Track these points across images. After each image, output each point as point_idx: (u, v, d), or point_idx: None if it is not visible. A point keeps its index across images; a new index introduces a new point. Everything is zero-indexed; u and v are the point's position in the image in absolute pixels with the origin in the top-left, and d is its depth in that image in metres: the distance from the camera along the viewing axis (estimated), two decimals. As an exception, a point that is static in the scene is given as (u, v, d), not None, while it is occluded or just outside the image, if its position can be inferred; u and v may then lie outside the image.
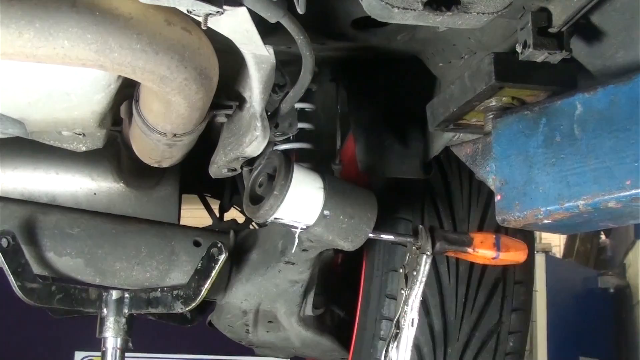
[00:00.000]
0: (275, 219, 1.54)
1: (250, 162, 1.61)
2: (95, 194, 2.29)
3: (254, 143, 1.46)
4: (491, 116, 1.49)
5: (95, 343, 1.86)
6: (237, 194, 2.61)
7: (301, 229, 1.62)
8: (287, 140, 1.74)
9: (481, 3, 1.14)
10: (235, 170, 1.62)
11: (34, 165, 2.27)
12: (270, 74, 1.38)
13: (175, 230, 1.91)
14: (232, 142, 1.53)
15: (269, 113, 1.48)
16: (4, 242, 1.67)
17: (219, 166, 1.60)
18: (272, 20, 1.20)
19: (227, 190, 2.66)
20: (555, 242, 8.60)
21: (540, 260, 5.69)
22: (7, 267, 1.68)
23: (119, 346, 1.85)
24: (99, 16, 1.13)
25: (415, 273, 1.61)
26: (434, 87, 1.86)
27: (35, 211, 1.80)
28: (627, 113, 1.27)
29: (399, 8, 1.12)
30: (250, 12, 1.18)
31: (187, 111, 1.37)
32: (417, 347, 2.02)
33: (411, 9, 1.12)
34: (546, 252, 6.52)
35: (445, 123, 1.58)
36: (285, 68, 1.50)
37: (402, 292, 1.61)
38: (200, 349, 5.15)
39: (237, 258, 1.85)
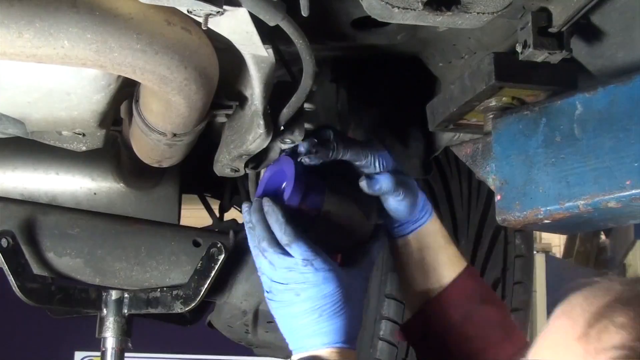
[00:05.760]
0: None
1: (254, 163, 1.61)
2: (95, 194, 2.29)
3: (258, 140, 1.46)
4: (491, 116, 1.49)
5: (95, 343, 1.86)
6: (238, 194, 2.61)
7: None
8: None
9: (481, 3, 1.14)
10: (238, 170, 1.61)
11: (34, 166, 2.27)
12: (270, 73, 1.38)
13: (175, 231, 1.91)
14: (235, 140, 1.53)
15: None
16: (4, 242, 1.67)
17: (223, 165, 1.60)
18: (271, 23, 1.19)
19: (227, 190, 2.66)
20: (555, 242, 8.61)
21: (540, 260, 5.70)
22: (6, 267, 1.67)
23: (118, 346, 1.85)
24: (99, 16, 1.13)
25: None
26: (434, 87, 1.86)
27: (35, 211, 1.79)
28: (627, 113, 1.27)
29: (399, 8, 1.12)
30: (250, 13, 1.17)
31: (187, 111, 1.37)
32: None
33: (411, 9, 1.12)
34: (546, 252, 6.53)
35: (445, 123, 1.58)
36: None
37: None
38: (200, 349, 5.15)
39: (237, 258, 1.85)
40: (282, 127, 1.50)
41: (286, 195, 1.51)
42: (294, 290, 1.45)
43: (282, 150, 1.56)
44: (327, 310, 1.44)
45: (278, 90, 1.46)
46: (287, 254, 1.46)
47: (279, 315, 1.49)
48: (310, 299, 1.44)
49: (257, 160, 1.59)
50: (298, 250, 1.44)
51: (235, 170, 1.61)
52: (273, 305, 1.49)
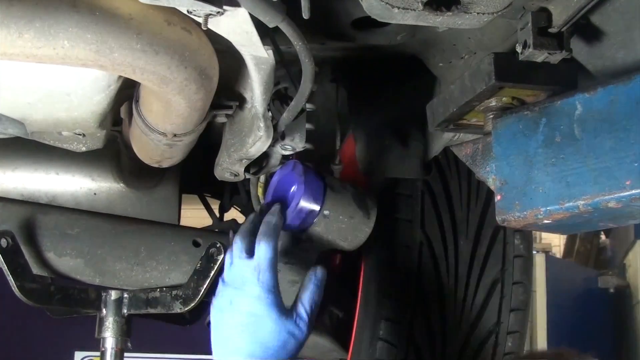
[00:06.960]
0: None
1: (255, 168, 1.61)
2: (95, 194, 2.29)
3: (258, 143, 1.46)
4: (491, 116, 1.49)
5: (95, 343, 1.86)
6: (237, 194, 2.61)
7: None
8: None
9: (481, 3, 1.14)
10: (237, 175, 1.61)
11: (34, 166, 2.26)
12: (270, 75, 1.38)
13: (175, 231, 1.91)
14: (236, 144, 1.53)
15: (273, 119, 1.47)
16: (4, 243, 1.67)
17: (223, 168, 1.60)
18: (271, 25, 1.19)
19: (227, 190, 2.65)
20: (555, 242, 8.61)
21: (540, 260, 5.69)
22: (6, 267, 1.67)
23: (118, 346, 1.85)
24: (99, 16, 1.13)
25: None
26: (434, 87, 1.86)
27: (35, 211, 1.79)
28: (627, 113, 1.27)
29: (399, 8, 1.12)
30: (250, 14, 1.17)
31: (187, 111, 1.37)
32: (415, 347, 2.02)
33: (411, 9, 1.12)
34: (546, 252, 6.53)
35: (445, 123, 1.58)
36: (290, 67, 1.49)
37: None
38: (200, 349, 5.14)
39: (237, 258, 1.84)
40: (282, 132, 1.50)
41: (296, 199, 1.53)
42: (230, 294, 1.46)
43: (283, 157, 1.56)
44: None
45: (277, 96, 1.46)
46: (250, 258, 1.46)
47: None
48: (240, 314, 1.46)
49: (258, 165, 1.59)
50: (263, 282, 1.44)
51: (235, 175, 1.61)
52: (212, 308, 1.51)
